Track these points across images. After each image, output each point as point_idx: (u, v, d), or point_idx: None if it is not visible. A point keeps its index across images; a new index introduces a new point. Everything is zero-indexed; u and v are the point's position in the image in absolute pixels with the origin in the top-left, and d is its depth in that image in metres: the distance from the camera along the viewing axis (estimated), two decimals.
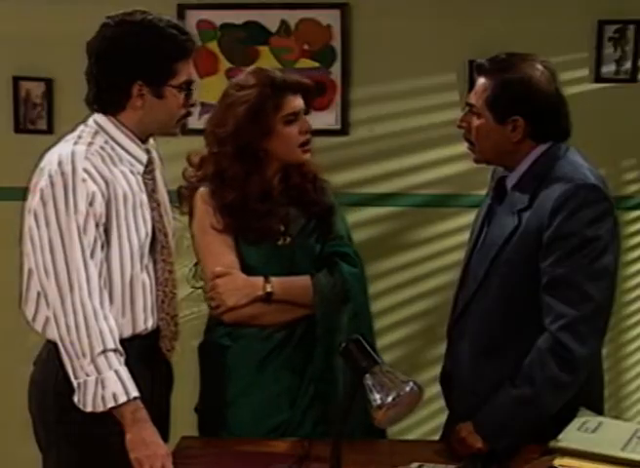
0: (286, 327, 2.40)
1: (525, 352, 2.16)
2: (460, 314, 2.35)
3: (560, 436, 2.07)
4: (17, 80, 3.67)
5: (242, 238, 2.39)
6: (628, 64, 3.52)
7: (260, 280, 2.37)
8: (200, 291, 2.58)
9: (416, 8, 3.54)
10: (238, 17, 3.61)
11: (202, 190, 2.42)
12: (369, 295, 2.53)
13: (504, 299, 2.24)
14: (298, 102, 2.38)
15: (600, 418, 2.19)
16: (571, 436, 2.07)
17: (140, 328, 2.25)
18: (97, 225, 2.13)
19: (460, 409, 2.32)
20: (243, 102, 2.35)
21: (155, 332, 2.30)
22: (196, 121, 3.63)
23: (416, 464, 2.14)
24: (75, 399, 2.11)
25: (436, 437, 2.50)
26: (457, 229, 3.52)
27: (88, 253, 2.11)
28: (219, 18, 3.62)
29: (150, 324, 2.27)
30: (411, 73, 3.57)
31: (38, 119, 3.68)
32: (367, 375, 1.96)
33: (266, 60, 3.59)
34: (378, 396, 1.94)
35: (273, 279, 2.37)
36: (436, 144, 3.55)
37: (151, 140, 2.34)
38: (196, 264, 2.47)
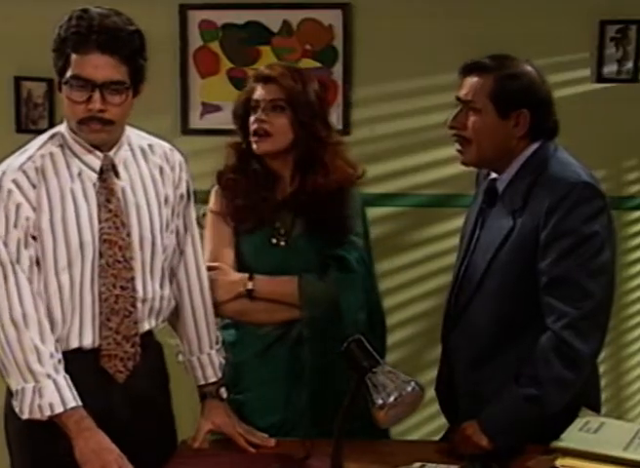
0: (281, 327, 2.41)
1: (527, 351, 2.16)
2: (457, 317, 2.35)
3: (562, 436, 2.07)
4: (18, 80, 3.68)
5: (240, 227, 2.44)
6: (630, 64, 3.52)
7: (244, 277, 2.39)
8: None
9: (417, 8, 3.54)
10: (240, 17, 3.61)
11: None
12: (375, 301, 2.51)
13: (503, 301, 2.24)
14: (261, 92, 2.43)
15: (602, 419, 2.19)
16: (573, 436, 2.07)
17: (74, 343, 2.15)
18: (25, 235, 2.09)
19: (462, 412, 2.31)
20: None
21: (97, 351, 2.17)
22: (197, 121, 3.66)
23: (418, 464, 2.14)
24: (13, 404, 2.08)
25: (438, 437, 2.49)
26: (458, 229, 3.50)
27: (13, 258, 2.08)
28: (220, 18, 3.62)
29: (89, 341, 2.16)
30: (412, 73, 3.57)
31: (40, 119, 3.69)
32: (368, 375, 1.96)
33: (268, 61, 3.58)
34: (379, 396, 1.94)
35: (258, 277, 2.39)
36: (438, 144, 3.54)
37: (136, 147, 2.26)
38: None
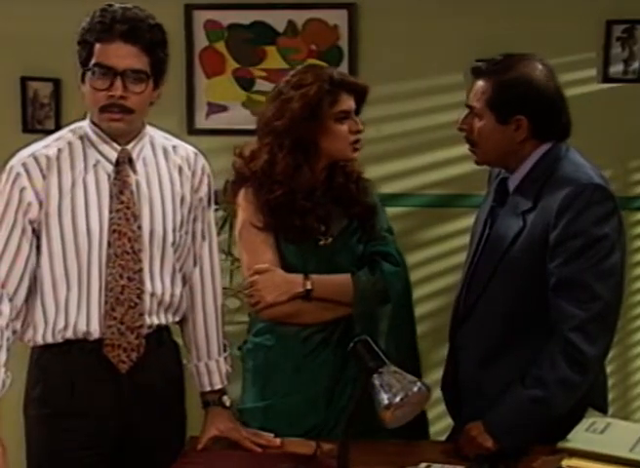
0: (325, 328, 2.39)
1: (533, 352, 2.16)
2: (464, 316, 2.35)
3: (568, 436, 2.06)
4: (24, 80, 3.69)
5: (282, 236, 2.40)
6: (636, 64, 3.51)
7: (299, 277, 2.37)
8: None
9: (423, 8, 3.54)
10: (245, 17, 3.62)
11: (246, 189, 2.43)
12: (413, 297, 2.52)
13: (511, 300, 2.24)
14: (351, 102, 2.42)
15: (608, 419, 2.19)
16: (579, 437, 2.07)
17: (82, 330, 2.18)
18: (24, 217, 2.16)
19: (468, 412, 2.31)
20: (300, 98, 2.36)
21: (102, 340, 2.20)
22: (203, 121, 3.66)
23: (424, 464, 2.14)
24: None
25: (444, 438, 2.49)
26: (465, 229, 3.48)
27: (4, 233, 2.15)
28: (226, 18, 3.62)
29: (95, 329, 2.18)
30: (418, 73, 3.57)
31: (46, 119, 3.70)
32: (375, 376, 1.96)
33: (274, 61, 3.60)
34: (385, 396, 1.94)
35: (313, 276, 2.37)
36: (444, 145, 3.54)
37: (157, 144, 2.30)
38: None
